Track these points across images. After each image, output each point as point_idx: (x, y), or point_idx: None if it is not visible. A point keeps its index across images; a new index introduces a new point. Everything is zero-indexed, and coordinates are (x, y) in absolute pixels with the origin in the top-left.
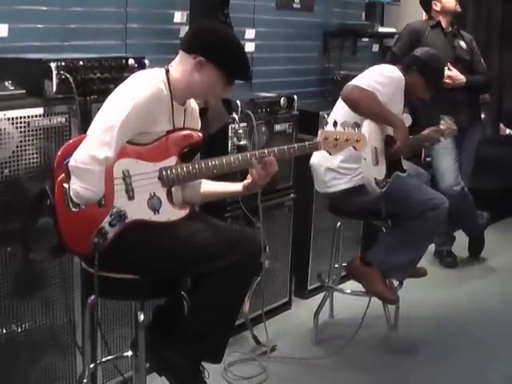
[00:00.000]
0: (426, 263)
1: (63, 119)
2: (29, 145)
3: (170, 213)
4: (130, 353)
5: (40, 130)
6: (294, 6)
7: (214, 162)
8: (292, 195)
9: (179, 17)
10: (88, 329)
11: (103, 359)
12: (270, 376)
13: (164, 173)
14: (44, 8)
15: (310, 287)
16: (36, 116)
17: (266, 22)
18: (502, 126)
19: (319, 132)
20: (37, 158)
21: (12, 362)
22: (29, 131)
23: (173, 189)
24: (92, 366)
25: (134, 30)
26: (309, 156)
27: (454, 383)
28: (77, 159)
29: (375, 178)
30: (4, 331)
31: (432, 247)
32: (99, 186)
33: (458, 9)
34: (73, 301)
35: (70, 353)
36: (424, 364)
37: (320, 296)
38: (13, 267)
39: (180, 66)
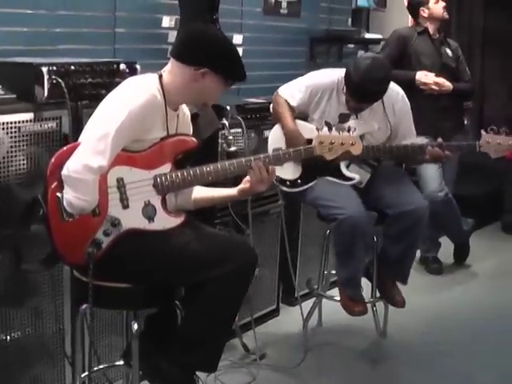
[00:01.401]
0: (412, 270)
1: (54, 124)
2: (19, 150)
3: (165, 221)
4: (121, 362)
5: (30, 135)
6: (281, 11)
7: (209, 168)
8: (280, 202)
9: (167, 21)
10: (79, 338)
11: (94, 368)
12: None
13: (159, 180)
14: (29, 11)
15: (297, 294)
16: (27, 121)
17: (253, 27)
18: (483, 132)
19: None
20: (27, 163)
21: (1, 371)
22: (19, 136)
23: (166, 196)
24: (84, 375)
25: (122, 34)
26: None
27: None
28: (70, 168)
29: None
30: None
31: (418, 254)
32: (93, 195)
33: (446, 16)
34: (62, 309)
35: (59, 362)
36: (413, 370)
37: (307, 303)
38: (2, 275)
39: (176, 75)
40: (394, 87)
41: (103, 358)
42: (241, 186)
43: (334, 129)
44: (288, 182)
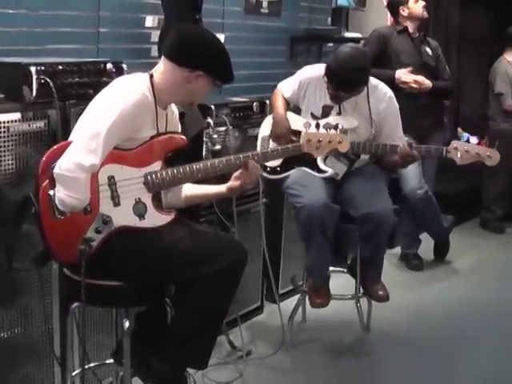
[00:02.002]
0: (393, 266)
1: (42, 124)
2: (7, 150)
3: (156, 218)
4: (111, 360)
5: (19, 135)
6: (262, 10)
7: (198, 166)
8: (261, 200)
9: (150, 21)
10: (70, 337)
11: (85, 366)
12: (247, 380)
13: (149, 178)
14: (10, 11)
15: (281, 291)
16: (15, 121)
17: (234, 26)
18: (459, 129)
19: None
20: (16, 163)
21: None
22: (8, 136)
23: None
24: (74, 373)
25: (106, 34)
26: None
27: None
28: (62, 167)
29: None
30: None
31: (398, 250)
32: (85, 193)
33: (425, 15)
34: (51, 308)
35: (48, 362)
36: (396, 364)
37: (291, 300)
38: None
39: (168, 75)
40: (382, 87)
41: (92, 357)
42: (229, 184)
43: (321, 126)
44: (269, 169)
